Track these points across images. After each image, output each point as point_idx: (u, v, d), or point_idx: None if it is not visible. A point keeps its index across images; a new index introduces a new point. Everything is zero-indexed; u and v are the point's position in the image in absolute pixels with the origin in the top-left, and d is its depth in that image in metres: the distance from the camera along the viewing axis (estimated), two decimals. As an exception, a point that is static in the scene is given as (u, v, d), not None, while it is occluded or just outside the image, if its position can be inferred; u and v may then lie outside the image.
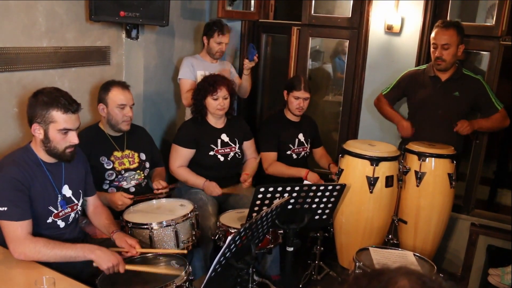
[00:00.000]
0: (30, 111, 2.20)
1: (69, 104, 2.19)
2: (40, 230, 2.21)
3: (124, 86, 2.93)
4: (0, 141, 2.74)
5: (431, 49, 3.31)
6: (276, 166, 3.53)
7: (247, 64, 3.68)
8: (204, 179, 3.21)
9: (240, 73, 4.06)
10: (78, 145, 2.28)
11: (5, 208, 2.08)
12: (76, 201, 2.39)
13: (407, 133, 3.41)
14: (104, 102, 2.89)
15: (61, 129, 2.18)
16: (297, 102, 3.50)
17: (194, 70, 3.70)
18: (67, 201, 2.34)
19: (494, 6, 3.48)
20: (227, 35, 3.72)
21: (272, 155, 3.55)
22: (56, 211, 2.28)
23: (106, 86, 2.91)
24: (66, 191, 2.34)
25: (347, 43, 4.10)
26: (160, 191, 2.95)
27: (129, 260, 2.28)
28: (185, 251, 2.47)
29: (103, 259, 2.13)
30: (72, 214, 2.38)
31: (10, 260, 2.08)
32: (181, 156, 3.26)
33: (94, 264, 2.15)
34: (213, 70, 3.65)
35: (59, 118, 2.17)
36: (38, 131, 2.19)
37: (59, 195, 2.30)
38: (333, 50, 4.79)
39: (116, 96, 2.87)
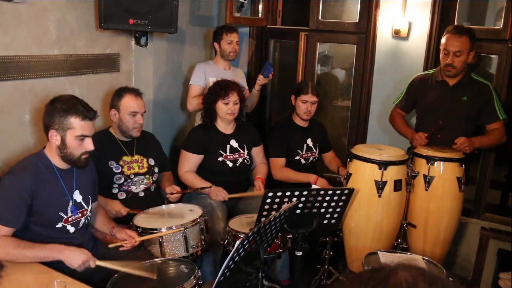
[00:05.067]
0: (47, 118, 2.25)
1: (87, 111, 2.25)
2: (50, 235, 2.25)
3: (137, 93, 2.98)
4: (12, 148, 2.78)
5: (441, 55, 3.26)
6: (285, 171, 3.54)
7: (261, 80, 3.71)
8: (210, 184, 3.20)
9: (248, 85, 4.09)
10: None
11: None
12: (86, 207, 2.43)
13: (421, 143, 3.29)
14: (117, 108, 2.93)
15: (78, 135, 2.23)
16: (304, 106, 3.50)
17: (206, 77, 3.74)
18: (78, 206, 2.37)
19: (503, 9, 3.47)
20: (235, 33, 3.77)
21: (281, 161, 3.56)
22: (65, 216, 2.31)
23: (120, 93, 2.96)
24: (77, 196, 2.38)
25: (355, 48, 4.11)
26: (174, 196, 3.00)
27: (141, 265, 2.29)
28: (181, 228, 2.58)
29: (72, 258, 2.17)
30: (82, 220, 2.41)
31: (21, 265, 2.11)
32: (188, 161, 3.29)
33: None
34: (225, 77, 3.68)
35: (77, 124, 2.22)
36: (55, 137, 2.23)
37: (71, 201, 2.33)
38: (350, 56, 4.78)
39: (128, 103, 2.91)
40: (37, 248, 2.15)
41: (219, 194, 3.16)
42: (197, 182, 3.25)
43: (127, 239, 2.46)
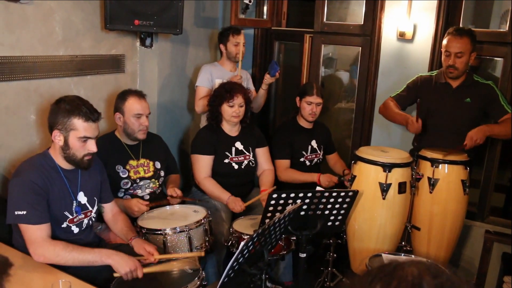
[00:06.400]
0: (52, 118, 2.25)
1: (91, 113, 2.24)
2: (55, 234, 2.25)
3: (140, 95, 2.96)
4: (17, 148, 2.79)
5: (443, 57, 3.27)
6: (289, 173, 3.54)
7: (268, 80, 3.69)
8: (229, 194, 3.17)
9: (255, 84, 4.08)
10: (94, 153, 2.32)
11: (24, 212, 2.12)
12: (90, 208, 2.43)
13: (416, 129, 3.27)
14: (121, 111, 2.92)
15: (81, 137, 2.23)
16: (309, 107, 3.51)
17: (212, 79, 3.73)
18: (82, 207, 2.38)
19: (508, 12, 3.47)
20: (241, 35, 3.76)
21: (285, 162, 3.56)
22: (71, 217, 2.32)
23: (123, 95, 2.94)
24: (82, 197, 2.38)
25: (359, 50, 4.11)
26: (174, 200, 2.99)
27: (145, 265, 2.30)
28: (202, 254, 2.52)
29: (121, 264, 2.15)
30: (86, 221, 2.41)
31: (28, 265, 2.12)
32: (203, 164, 3.25)
33: (115, 274, 2.17)
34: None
35: (80, 126, 2.22)
36: (58, 138, 2.24)
37: (75, 201, 2.34)
38: (352, 59, 4.79)
39: (132, 105, 2.90)
40: (86, 251, 2.16)
41: (236, 204, 3.11)
42: (216, 191, 3.21)
43: (145, 255, 2.37)
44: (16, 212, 2.13)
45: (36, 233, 2.13)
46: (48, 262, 2.12)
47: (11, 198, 2.18)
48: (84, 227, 2.41)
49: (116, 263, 2.16)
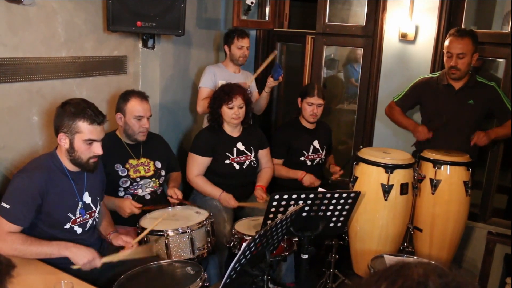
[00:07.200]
0: (57, 121, 2.26)
1: (96, 116, 2.25)
2: (58, 235, 2.26)
3: (143, 97, 2.96)
4: (20, 149, 2.80)
5: (445, 58, 3.28)
6: (277, 169, 3.59)
7: (271, 83, 3.69)
8: (221, 190, 3.21)
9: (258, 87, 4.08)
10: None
11: (8, 207, 2.14)
12: (94, 208, 2.44)
13: (424, 137, 3.38)
14: (122, 111, 2.93)
15: (86, 139, 2.24)
16: (310, 108, 3.51)
17: (215, 80, 3.73)
18: (86, 208, 2.39)
19: (510, 13, 3.47)
20: (246, 39, 3.75)
21: (277, 162, 3.62)
22: (74, 217, 2.32)
23: (125, 96, 2.94)
24: (86, 197, 2.39)
25: (360, 51, 4.11)
26: (173, 200, 2.99)
27: (144, 269, 2.29)
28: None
29: (78, 256, 2.18)
30: (90, 221, 2.42)
31: (29, 265, 2.12)
32: (198, 164, 3.27)
33: (73, 266, 2.19)
34: (234, 80, 3.67)
35: (85, 129, 2.23)
36: (64, 141, 2.25)
37: (80, 202, 2.35)
38: (346, 58, 4.80)
39: (134, 107, 2.90)
40: (44, 244, 2.17)
41: (228, 201, 3.16)
42: (207, 188, 3.24)
43: (124, 245, 2.43)
44: (2, 203, 2.16)
45: (3, 227, 2.14)
46: (5, 254, 2.11)
47: (7, 189, 2.20)
48: (87, 227, 2.41)
49: (73, 255, 2.18)
